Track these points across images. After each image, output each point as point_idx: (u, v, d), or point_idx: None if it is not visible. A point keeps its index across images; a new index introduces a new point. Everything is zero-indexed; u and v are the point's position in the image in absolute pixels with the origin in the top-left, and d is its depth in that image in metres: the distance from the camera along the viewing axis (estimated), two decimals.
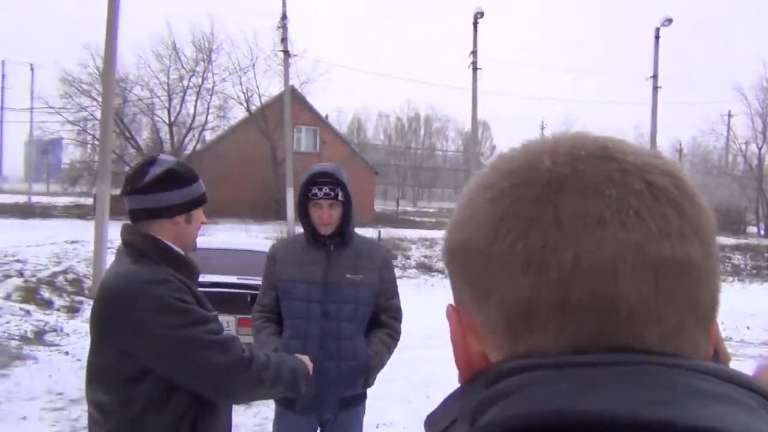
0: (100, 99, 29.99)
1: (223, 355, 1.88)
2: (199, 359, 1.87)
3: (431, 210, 50.75)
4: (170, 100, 31.43)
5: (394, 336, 2.96)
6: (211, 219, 24.13)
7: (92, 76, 29.24)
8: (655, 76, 24.76)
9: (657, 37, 24.61)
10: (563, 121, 45.59)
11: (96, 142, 32.46)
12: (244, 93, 32.71)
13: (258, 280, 3.17)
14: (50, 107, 29.99)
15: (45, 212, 30.43)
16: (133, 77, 31.19)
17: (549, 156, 0.52)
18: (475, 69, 23.51)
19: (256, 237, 18.47)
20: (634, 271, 0.48)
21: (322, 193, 2.78)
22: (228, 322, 6.47)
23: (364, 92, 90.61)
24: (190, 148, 31.95)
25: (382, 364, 2.91)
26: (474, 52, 23.55)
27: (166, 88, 31.38)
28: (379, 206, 45.38)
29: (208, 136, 33.44)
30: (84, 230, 17.37)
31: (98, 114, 30.11)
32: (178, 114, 31.80)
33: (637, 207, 0.49)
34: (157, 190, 1.99)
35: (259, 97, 32.92)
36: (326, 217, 2.80)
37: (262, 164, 30.49)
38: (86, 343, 7.38)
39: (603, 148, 0.52)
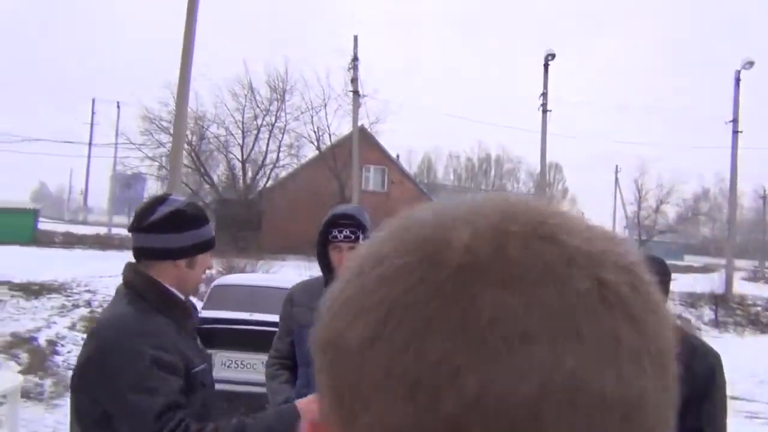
0: None
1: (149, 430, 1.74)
2: (127, 425, 1.78)
3: None
4: (244, 138, 32.40)
5: None
6: (279, 255, 24.52)
7: (172, 113, 30.47)
8: (735, 120, 23.83)
9: (737, 80, 23.76)
10: (638, 164, 44.39)
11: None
12: (315, 132, 33.39)
13: None
14: (131, 143, 31.37)
15: (122, 244, 31.50)
16: (210, 116, 32.37)
17: (468, 227, 0.37)
18: (544, 111, 23.24)
19: (320, 275, 18.49)
20: (561, 413, 0.33)
21: (342, 236, 2.68)
22: None
23: (436, 132, 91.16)
24: (261, 185, 32.74)
25: None
26: (544, 94, 23.31)
27: (240, 126, 32.40)
28: None
29: (279, 173, 34.19)
30: None
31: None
32: (251, 151, 32.71)
33: (580, 318, 0.34)
34: (161, 231, 1.94)
35: (329, 136, 33.52)
36: (346, 260, 2.68)
37: (330, 202, 30.86)
38: None
39: (541, 224, 0.37)
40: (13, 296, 12.57)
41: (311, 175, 31.64)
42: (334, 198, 31.05)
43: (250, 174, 32.65)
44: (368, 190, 32.55)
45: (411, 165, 60.81)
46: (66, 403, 6.94)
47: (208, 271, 2.14)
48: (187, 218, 1.97)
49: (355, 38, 25.42)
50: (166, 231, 1.93)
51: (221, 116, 32.63)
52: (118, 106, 43.81)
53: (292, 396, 2.65)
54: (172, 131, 29.63)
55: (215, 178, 32.98)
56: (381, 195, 32.87)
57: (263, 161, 32.91)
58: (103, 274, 18.59)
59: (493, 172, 71.64)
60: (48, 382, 7.52)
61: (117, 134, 37.05)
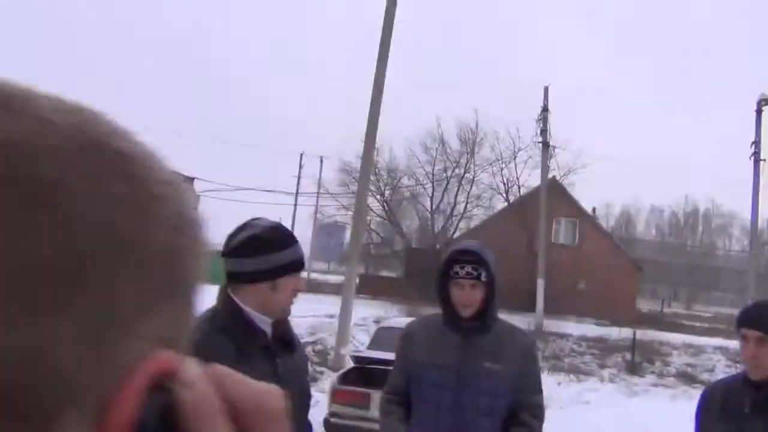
0: (372, 188, 32.90)
1: None
2: None
3: (706, 314, 45.56)
4: (434, 189, 33.18)
5: None
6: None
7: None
8: None
9: None
10: None
11: (369, 228, 35.33)
12: (504, 183, 33.27)
13: None
14: (329, 193, 33.44)
15: (317, 288, 33.45)
16: (403, 167, 33.64)
17: None
18: (756, 161, 21.17)
19: (438, 312, 18.12)
20: None
21: (464, 272, 2.62)
22: None
23: (636, 185, 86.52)
24: (450, 235, 33.16)
25: None
26: (756, 143, 21.26)
27: (431, 178, 33.25)
28: (646, 306, 42.07)
29: (466, 223, 34.39)
30: None
31: (370, 200, 33.11)
32: (440, 202, 33.34)
33: None
34: (239, 255, 2.01)
35: (519, 187, 33.18)
36: (467, 298, 2.62)
37: (518, 255, 30.33)
38: (315, 411, 7.64)
39: None
40: None
41: (500, 227, 31.41)
42: (522, 251, 30.47)
43: (438, 225, 33.24)
44: (558, 243, 31.54)
45: (608, 219, 58.16)
46: None
47: (301, 295, 2.13)
48: (264, 242, 2.00)
49: (546, 89, 25.16)
50: (242, 255, 2.00)
51: (412, 168, 33.80)
52: (321, 161, 47.17)
53: None
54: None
55: (405, 228, 33.97)
56: (572, 249, 31.68)
57: (452, 212, 33.37)
58: (294, 314, 19.76)
59: (701, 228, 66.17)
60: None
61: (319, 186, 39.74)
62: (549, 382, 12.95)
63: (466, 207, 33.49)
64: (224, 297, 2.04)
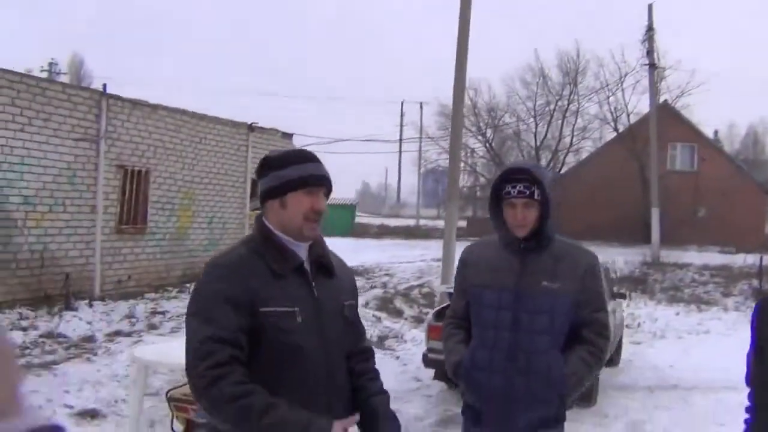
0: (473, 129, 32.36)
1: (191, 354, 1.86)
2: (186, 346, 1.90)
3: None
4: (536, 125, 32.21)
5: (598, 354, 2.53)
6: (577, 241, 23.84)
7: (467, 108, 31.57)
8: None
9: None
10: None
11: (474, 169, 34.95)
12: (611, 112, 31.76)
13: None
14: (430, 138, 33.27)
15: (426, 234, 33.68)
16: (503, 106, 32.81)
17: None
18: None
19: (613, 260, 17.66)
20: None
21: (516, 191, 2.54)
22: None
23: (763, 102, 79.96)
24: (556, 171, 32.26)
25: (580, 385, 2.52)
26: None
27: (532, 113, 32.26)
28: None
29: (574, 157, 33.26)
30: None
31: (470, 142, 32.62)
32: (545, 138, 32.37)
33: None
34: (259, 178, 2.10)
35: (627, 115, 31.58)
36: (520, 217, 2.53)
37: (630, 185, 29.11)
38: (419, 350, 7.73)
39: None
40: None
41: (610, 157, 30.18)
42: (634, 180, 29.16)
43: (544, 161, 32.35)
44: (674, 170, 29.96)
45: (732, 141, 54.40)
46: None
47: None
48: (269, 162, 2.06)
49: (650, 6, 23.53)
50: (260, 177, 2.08)
51: (513, 105, 32.90)
52: (421, 107, 46.90)
53: (466, 356, 2.61)
54: (466, 125, 30.89)
55: None
56: (689, 175, 30.01)
57: (556, 147, 32.37)
58: (402, 260, 20.07)
59: None
60: None
61: (421, 132, 39.60)
62: (667, 313, 12.55)
63: (572, 140, 32.35)
64: (258, 222, 2.10)
